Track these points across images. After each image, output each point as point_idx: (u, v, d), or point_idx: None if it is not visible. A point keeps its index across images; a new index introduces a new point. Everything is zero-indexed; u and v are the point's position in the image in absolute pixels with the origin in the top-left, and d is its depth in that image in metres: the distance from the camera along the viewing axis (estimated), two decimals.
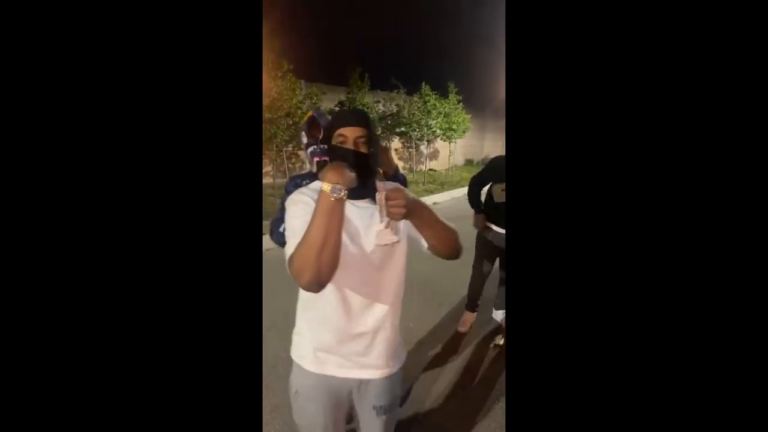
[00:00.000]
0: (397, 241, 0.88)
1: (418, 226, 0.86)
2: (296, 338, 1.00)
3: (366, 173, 0.88)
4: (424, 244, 0.92)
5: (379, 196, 0.77)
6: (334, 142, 0.89)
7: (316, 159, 1.46)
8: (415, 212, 0.81)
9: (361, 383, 0.99)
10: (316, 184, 0.95)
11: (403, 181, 1.50)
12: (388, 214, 0.77)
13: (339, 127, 0.88)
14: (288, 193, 1.33)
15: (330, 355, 0.94)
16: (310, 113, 1.56)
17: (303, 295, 0.95)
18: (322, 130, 1.43)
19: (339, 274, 0.78)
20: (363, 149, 0.88)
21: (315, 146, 1.46)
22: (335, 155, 0.88)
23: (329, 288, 0.83)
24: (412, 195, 0.80)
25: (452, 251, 0.90)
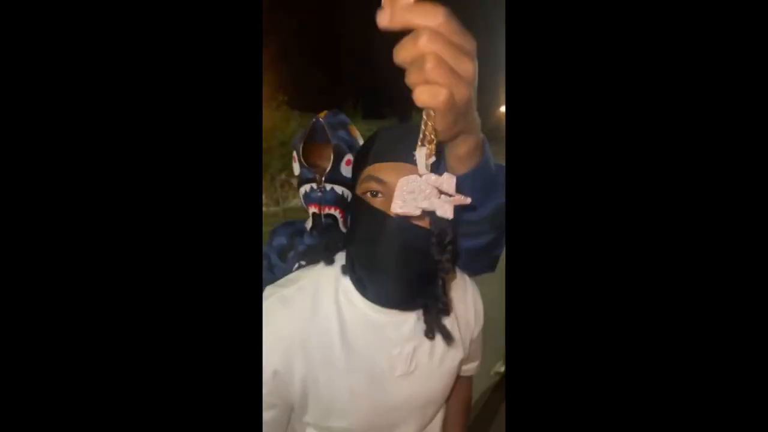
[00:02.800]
0: None
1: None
2: None
3: (423, 269, 0.44)
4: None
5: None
6: (360, 190, 0.45)
7: (311, 208, 0.77)
8: None
9: None
10: (316, 272, 0.50)
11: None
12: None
13: (375, 161, 0.44)
14: (272, 249, 0.83)
15: None
16: (314, 119, 0.77)
17: None
18: (329, 156, 0.75)
19: None
20: (421, 219, 0.41)
21: (311, 184, 0.76)
22: (357, 218, 0.45)
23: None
24: None
25: None
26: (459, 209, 0.40)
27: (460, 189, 0.37)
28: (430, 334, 0.48)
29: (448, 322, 0.49)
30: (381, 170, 0.43)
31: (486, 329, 0.62)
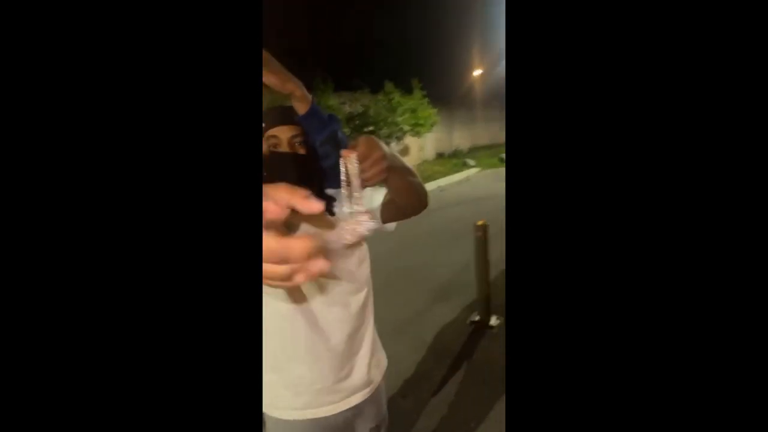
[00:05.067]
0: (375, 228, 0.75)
1: (391, 185, 0.74)
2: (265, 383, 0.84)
3: (309, 180, 0.75)
4: (390, 226, 0.87)
5: (346, 159, 0.54)
6: (266, 147, 0.77)
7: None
8: (395, 168, 0.66)
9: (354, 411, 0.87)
10: None
11: (334, 121, 0.80)
12: (366, 180, 0.56)
13: (269, 128, 0.78)
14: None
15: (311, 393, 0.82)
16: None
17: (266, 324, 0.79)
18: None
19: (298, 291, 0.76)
20: (301, 150, 0.77)
21: None
22: (270, 163, 0.75)
23: (291, 309, 0.78)
24: (382, 144, 0.63)
25: (422, 201, 0.81)
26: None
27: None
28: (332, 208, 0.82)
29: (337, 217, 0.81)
30: (276, 131, 0.77)
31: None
